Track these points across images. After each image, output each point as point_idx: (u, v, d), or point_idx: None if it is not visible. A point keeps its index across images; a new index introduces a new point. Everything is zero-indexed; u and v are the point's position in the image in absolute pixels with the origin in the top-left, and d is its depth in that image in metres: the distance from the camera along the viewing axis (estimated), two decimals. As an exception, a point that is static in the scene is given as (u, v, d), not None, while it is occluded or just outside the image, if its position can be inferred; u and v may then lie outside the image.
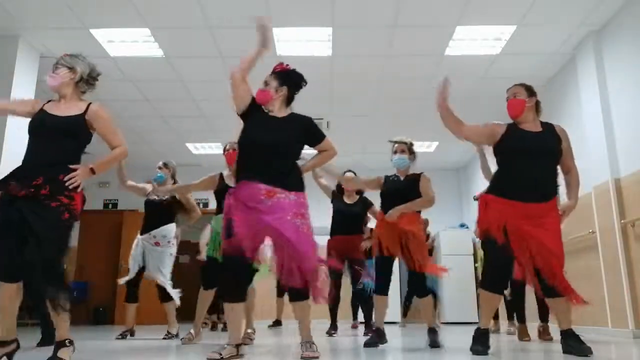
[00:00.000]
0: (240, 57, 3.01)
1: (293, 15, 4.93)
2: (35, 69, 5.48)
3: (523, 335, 4.43)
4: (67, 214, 2.54)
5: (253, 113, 2.92)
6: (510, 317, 5.45)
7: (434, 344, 3.59)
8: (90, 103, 2.79)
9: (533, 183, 2.92)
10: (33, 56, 5.42)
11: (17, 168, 2.63)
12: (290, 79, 3.03)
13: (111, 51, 5.51)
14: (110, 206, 9.65)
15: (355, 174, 5.12)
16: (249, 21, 3.31)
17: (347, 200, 5.22)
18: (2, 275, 2.50)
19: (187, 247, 9.96)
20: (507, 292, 5.46)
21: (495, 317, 5.62)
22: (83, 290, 9.05)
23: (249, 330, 4.17)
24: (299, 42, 5.41)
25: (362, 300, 5.29)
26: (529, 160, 2.95)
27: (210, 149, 8.74)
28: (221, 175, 4.20)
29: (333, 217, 5.28)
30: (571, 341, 2.86)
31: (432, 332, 3.70)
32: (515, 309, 4.68)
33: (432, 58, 5.74)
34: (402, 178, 3.96)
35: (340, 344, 4.19)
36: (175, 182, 4.93)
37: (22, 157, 2.68)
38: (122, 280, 4.88)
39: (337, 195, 5.28)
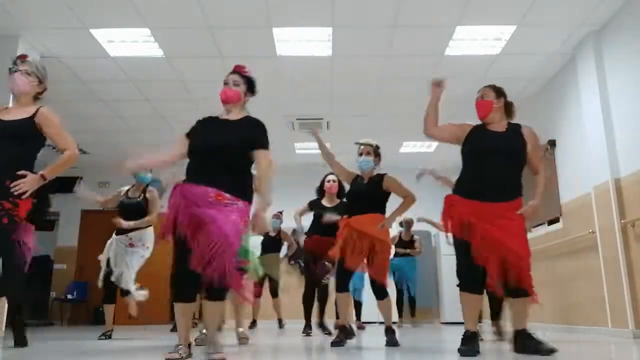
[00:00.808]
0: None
1: (293, 15, 4.93)
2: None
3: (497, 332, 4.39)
4: (5, 218, 2.52)
5: (203, 122, 2.88)
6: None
7: (392, 343, 3.69)
8: (40, 107, 2.79)
9: (493, 182, 2.92)
10: (33, 56, 5.41)
11: None
12: (253, 87, 3.00)
13: (111, 51, 5.51)
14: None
15: (337, 177, 5.11)
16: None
17: (327, 204, 5.21)
18: None
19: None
20: None
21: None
22: (83, 290, 9.05)
23: (240, 329, 4.17)
24: (299, 42, 5.41)
25: (321, 300, 5.35)
26: (489, 159, 2.96)
27: (210, 149, 8.73)
28: None
29: (313, 219, 5.26)
30: (531, 341, 2.83)
31: (390, 331, 3.82)
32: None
33: (432, 58, 5.74)
34: (365, 180, 3.99)
35: (313, 343, 4.18)
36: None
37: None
38: (100, 283, 4.81)
39: (316, 200, 5.28)
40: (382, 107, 7.08)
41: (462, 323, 2.84)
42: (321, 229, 5.03)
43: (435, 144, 8.63)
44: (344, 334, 3.84)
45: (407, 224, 7.59)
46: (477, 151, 3.04)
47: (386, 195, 3.93)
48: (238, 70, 2.99)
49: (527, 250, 2.87)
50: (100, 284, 4.79)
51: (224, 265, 2.47)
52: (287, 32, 5.22)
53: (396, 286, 7.54)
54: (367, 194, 3.88)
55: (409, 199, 3.85)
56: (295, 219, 5.55)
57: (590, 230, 5.06)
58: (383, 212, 3.88)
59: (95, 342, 4.39)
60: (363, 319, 7.11)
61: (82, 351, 3.50)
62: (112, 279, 4.68)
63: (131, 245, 4.75)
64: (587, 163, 5.20)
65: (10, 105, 2.84)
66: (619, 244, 4.62)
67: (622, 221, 4.62)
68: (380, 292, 3.85)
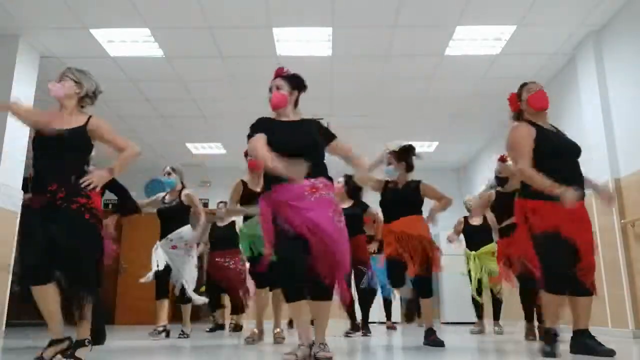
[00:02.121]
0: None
1: (293, 15, 4.93)
2: (35, 69, 5.48)
3: (530, 334, 4.39)
4: (87, 214, 2.62)
5: (268, 128, 2.85)
6: (496, 317, 5.57)
7: (436, 343, 3.66)
8: (90, 116, 2.88)
9: (573, 183, 2.83)
10: (33, 56, 5.43)
11: (30, 184, 2.70)
12: (298, 83, 3.03)
13: (111, 51, 5.51)
14: (110, 206, 9.61)
15: (349, 178, 5.14)
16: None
17: (343, 205, 5.21)
18: (32, 279, 2.57)
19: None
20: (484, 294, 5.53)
21: (480, 317, 5.68)
22: (83, 290, 9.04)
23: (277, 330, 4.19)
24: (299, 42, 5.41)
25: (364, 300, 5.28)
26: (567, 159, 2.95)
27: (210, 149, 8.74)
28: (243, 181, 4.20)
29: None
30: (588, 341, 2.85)
31: (431, 332, 3.77)
32: (526, 308, 4.63)
33: (432, 58, 5.74)
34: (400, 186, 4.01)
35: (361, 344, 4.18)
36: (183, 186, 4.94)
37: (20, 159, 2.71)
38: (143, 279, 4.88)
39: None
40: (382, 107, 7.08)
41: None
42: (348, 230, 5.03)
43: (435, 143, 8.63)
44: (434, 334, 3.79)
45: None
46: (559, 152, 2.95)
47: (422, 200, 3.99)
48: (279, 74, 3.04)
49: (593, 248, 2.90)
50: (148, 279, 4.83)
51: (339, 269, 2.60)
52: (287, 32, 5.22)
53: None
54: (406, 199, 3.94)
55: (445, 200, 3.96)
56: None
57: (590, 230, 5.05)
58: (421, 214, 3.95)
59: (110, 342, 4.39)
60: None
61: (106, 350, 3.49)
62: (177, 286, 4.73)
63: (174, 247, 4.74)
64: (587, 163, 5.17)
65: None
66: (619, 244, 4.62)
67: (622, 221, 4.62)
68: (427, 291, 3.83)
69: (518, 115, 3.17)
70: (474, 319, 5.88)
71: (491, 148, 8.40)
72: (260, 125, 2.86)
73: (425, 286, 3.82)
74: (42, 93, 5.63)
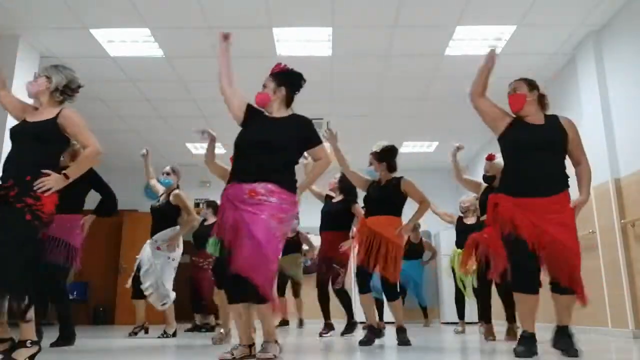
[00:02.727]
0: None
1: (293, 15, 4.93)
2: (35, 69, 5.47)
3: (488, 334, 4.42)
4: (29, 215, 2.52)
5: (252, 118, 2.93)
6: (461, 317, 5.61)
7: (404, 342, 3.76)
8: (63, 108, 2.86)
9: (540, 176, 2.84)
10: (33, 56, 5.42)
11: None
12: (288, 79, 3.00)
13: (111, 51, 5.51)
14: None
15: (344, 175, 5.15)
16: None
17: (334, 197, 5.23)
18: None
19: (186, 247, 9.96)
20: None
21: (462, 317, 5.70)
22: (83, 290, 9.05)
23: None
24: (299, 42, 5.41)
25: (343, 301, 5.27)
26: (532, 153, 2.89)
27: (210, 149, 8.73)
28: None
29: (322, 216, 5.24)
30: (564, 338, 2.81)
31: (402, 331, 3.87)
32: (481, 309, 4.66)
33: (432, 58, 5.74)
34: (382, 183, 4.06)
35: (335, 344, 4.19)
36: (177, 187, 4.96)
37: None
38: (128, 284, 4.94)
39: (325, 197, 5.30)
40: (382, 107, 7.08)
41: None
42: (330, 225, 5.04)
43: (435, 143, 8.63)
44: (373, 334, 3.86)
45: (414, 227, 7.56)
46: (520, 145, 2.95)
47: (403, 199, 4.00)
48: (272, 71, 3.05)
49: (578, 245, 2.81)
50: (127, 284, 4.93)
51: (261, 273, 2.53)
52: (287, 32, 5.22)
53: (401, 288, 7.52)
54: (384, 196, 3.96)
55: (424, 205, 3.99)
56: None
57: (590, 230, 5.06)
58: (399, 215, 3.96)
59: (95, 342, 4.39)
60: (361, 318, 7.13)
61: (83, 351, 3.50)
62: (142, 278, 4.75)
63: (158, 248, 4.78)
64: (587, 163, 5.19)
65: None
66: (619, 244, 4.62)
67: (622, 221, 4.62)
68: (392, 293, 3.89)
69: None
70: (474, 319, 5.91)
71: (491, 148, 8.40)
72: (249, 112, 2.95)
73: (390, 289, 3.87)
74: (42, 93, 5.64)
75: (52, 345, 3.66)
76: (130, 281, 4.94)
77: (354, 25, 5.11)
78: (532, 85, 3.16)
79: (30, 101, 2.97)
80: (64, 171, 2.70)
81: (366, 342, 3.79)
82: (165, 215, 4.84)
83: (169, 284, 4.79)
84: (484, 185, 4.45)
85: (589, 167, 3.07)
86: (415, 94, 6.70)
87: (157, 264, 4.74)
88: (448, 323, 8.37)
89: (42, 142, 2.70)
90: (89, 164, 2.88)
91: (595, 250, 4.99)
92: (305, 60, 5.66)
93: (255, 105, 2.97)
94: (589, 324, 5.09)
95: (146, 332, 4.96)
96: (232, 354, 2.62)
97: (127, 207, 9.36)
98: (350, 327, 5.20)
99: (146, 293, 4.72)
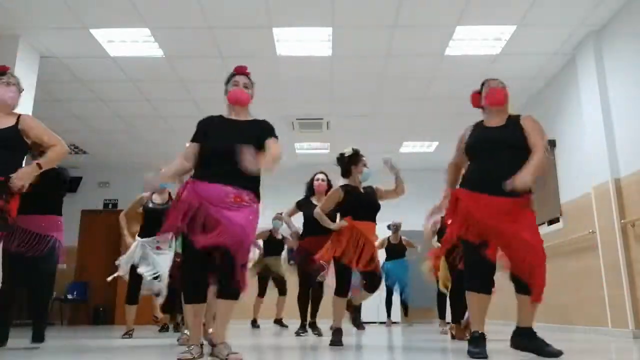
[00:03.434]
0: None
1: (293, 15, 4.93)
2: (35, 69, 5.48)
3: (461, 334, 4.39)
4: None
5: (212, 126, 2.86)
6: (442, 316, 5.69)
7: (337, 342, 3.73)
8: (20, 115, 2.90)
9: (499, 175, 2.77)
10: (33, 56, 5.42)
11: None
12: (253, 85, 3.04)
13: (111, 51, 5.51)
14: (110, 206, 9.66)
15: (326, 175, 5.20)
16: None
17: (317, 202, 5.20)
18: None
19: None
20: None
21: (443, 317, 5.72)
22: (83, 290, 9.05)
23: (211, 330, 4.17)
24: (299, 42, 5.41)
25: (316, 299, 5.27)
26: (493, 152, 2.89)
27: (210, 149, 8.73)
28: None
29: (305, 221, 5.21)
30: (531, 340, 2.77)
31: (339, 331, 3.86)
32: (454, 308, 4.61)
33: (432, 58, 5.74)
34: (359, 189, 4.09)
35: (312, 344, 4.18)
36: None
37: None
38: (110, 277, 5.01)
39: (304, 200, 5.25)
40: (382, 107, 7.08)
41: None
42: (314, 229, 5.02)
43: (435, 143, 8.63)
44: (340, 336, 3.82)
45: (395, 227, 7.53)
46: (480, 143, 2.96)
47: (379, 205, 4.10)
48: (243, 72, 3.02)
49: (540, 242, 2.78)
50: (122, 273, 4.89)
51: (240, 261, 2.53)
52: (287, 32, 5.22)
53: (387, 287, 7.51)
54: (372, 202, 4.03)
55: (400, 188, 4.12)
56: (285, 222, 5.52)
57: (590, 230, 5.06)
58: (376, 222, 4.05)
59: (95, 342, 4.39)
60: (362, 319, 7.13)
61: (83, 351, 3.50)
62: (145, 282, 4.75)
63: (158, 248, 4.77)
64: (587, 163, 5.20)
65: None
66: (619, 244, 4.62)
67: (622, 221, 4.62)
68: (376, 284, 3.98)
69: (483, 111, 3.20)
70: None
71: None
72: (203, 126, 2.88)
73: (374, 279, 3.95)
74: (42, 93, 5.64)
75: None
76: (124, 272, 4.89)
77: (354, 25, 5.11)
78: (504, 85, 3.20)
79: None
80: (36, 161, 2.76)
81: (337, 342, 3.74)
82: (164, 218, 4.81)
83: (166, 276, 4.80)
84: None
85: (542, 153, 2.85)
86: (415, 94, 6.70)
87: (156, 259, 4.74)
88: (448, 323, 8.36)
89: (6, 149, 2.75)
90: (58, 160, 2.95)
91: (595, 250, 4.99)
92: (305, 60, 5.66)
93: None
94: (589, 324, 5.10)
95: (130, 336, 4.89)
96: (192, 354, 2.58)
97: (127, 207, 9.38)
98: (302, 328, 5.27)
99: (162, 293, 4.76)
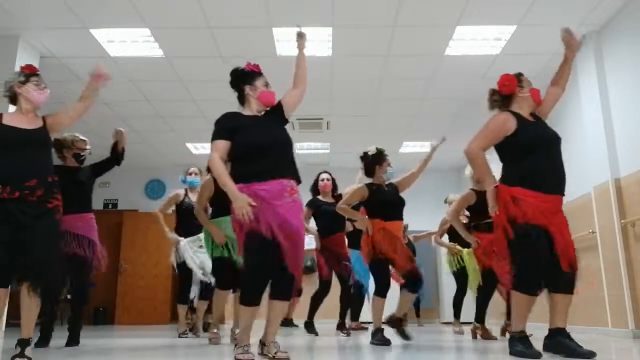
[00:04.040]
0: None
1: (293, 15, 4.93)
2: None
3: (487, 335, 4.45)
4: (57, 214, 2.73)
5: (240, 124, 2.88)
6: (457, 316, 5.68)
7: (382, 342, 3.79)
8: (42, 116, 2.99)
9: (558, 174, 2.83)
10: (33, 56, 5.42)
11: None
12: None
13: (111, 51, 5.51)
14: (110, 206, 9.66)
15: (330, 174, 5.26)
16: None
17: (326, 200, 5.21)
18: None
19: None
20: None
21: (458, 316, 5.72)
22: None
23: (237, 330, 4.16)
24: (299, 42, 5.40)
25: (348, 298, 5.26)
26: (549, 149, 2.91)
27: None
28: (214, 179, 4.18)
29: (318, 221, 5.23)
30: (569, 342, 2.75)
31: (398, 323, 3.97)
32: (480, 308, 4.63)
33: (432, 58, 5.74)
34: (384, 187, 4.15)
35: (322, 343, 4.19)
36: None
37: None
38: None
39: (314, 200, 5.26)
40: (382, 107, 7.08)
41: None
42: (330, 228, 5.05)
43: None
44: (382, 334, 3.86)
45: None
46: (540, 141, 2.90)
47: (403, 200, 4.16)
48: (260, 71, 3.11)
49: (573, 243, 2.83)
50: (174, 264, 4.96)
51: (296, 261, 2.66)
52: (287, 32, 5.22)
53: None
54: (399, 200, 4.10)
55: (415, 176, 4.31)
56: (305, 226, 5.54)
57: (590, 230, 5.06)
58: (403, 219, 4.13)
59: (95, 342, 4.39)
60: (362, 318, 7.11)
61: (82, 351, 3.50)
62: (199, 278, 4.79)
63: (201, 247, 4.76)
64: (587, 163, 5.20)
65: (15, 112, 2.96)
66: (619, 244, 4.62)
67: (622, 221, 4.62)
68: (416, 285, 3.94)
69: (505, 99, 3.13)
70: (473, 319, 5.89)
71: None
72: (226, 123, 2.88)
73: (414, 280, 3.92)
74: (42, 93, 5.64)
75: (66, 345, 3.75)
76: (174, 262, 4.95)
77: (354, 25, 5.11)
78: None
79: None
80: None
81: (384, 341, 3.80)
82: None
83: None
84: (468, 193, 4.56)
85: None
86: (415, 94, 6.70)
87: (201, 258, 4.79)
88: (448, 323, 8.36)
89: (42, 149, 2.84)
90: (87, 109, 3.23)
91: (595, 250, 4.99)
92: (306, 60, 5.66)
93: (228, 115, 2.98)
94: (589, 324, 5.10)
95: (195, 332, 5.00)
96: (251, 355, 2.61)
97: (127, 207, 9.40)
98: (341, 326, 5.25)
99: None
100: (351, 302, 5.41)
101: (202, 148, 8.75)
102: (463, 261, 5.52)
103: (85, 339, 4.70)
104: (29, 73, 2.99)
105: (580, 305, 5.32)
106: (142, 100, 6.80)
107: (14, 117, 2.87)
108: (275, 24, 5.06)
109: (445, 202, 6.01)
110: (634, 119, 4.61)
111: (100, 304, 9.02)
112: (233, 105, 3.12)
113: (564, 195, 2.86)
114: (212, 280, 4.62)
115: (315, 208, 5.21)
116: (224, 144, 2.80)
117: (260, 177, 2.68)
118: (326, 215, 5.09)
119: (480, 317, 4.52)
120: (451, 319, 8.35)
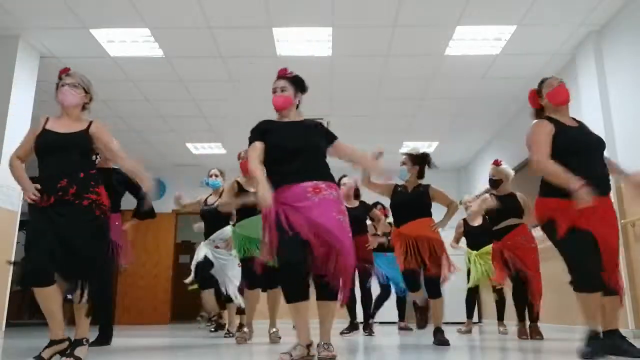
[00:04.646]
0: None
1: (293, 15, 4.93)
2: (35, 69, 5.48)
3: (522, 334, 4.47)
4: (97, 210, 2.70)
5: (271, 128, 2.89)
6: (500, 318, 5.61)
7: (442, 342, 3.76)
8: (92, 121, 2.94)
9: (597, 178, 2.76)
10: (33, 56, 5.43)
11: (35, 183, 2.69)
12: (302, 86, 3.07)
13: (111, 51, 5.51)
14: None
15: (351, 178, 5.23)
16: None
17: (348, 205, 5.21)
18: (39, 281, 2.58)
19: (191, 247, 9.96)
20: (495, 294, 5.57)
21: (469, 316, 5.72)
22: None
23: (273, 329, 4.18)
24: (299, 42, 5.41)
25: (368, 299, 5.33)
26: (586, 155, 2.85)
27: (210, 149, 8.74)
28: (237, 182, 4.19)
29: None
30: (621, 342, 2.74)
31: (439, 331, 3.89)
32: (518, 308, 4.66)
33: (432, 58, 5.74)
34: (409, 190, 4.13)
35: (360, 344, 4.18)
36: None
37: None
38: (188, 280, 5.05)
39: None
40: (382, 107, 7.08)
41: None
42: (354, 231, 5.04)
43: (435, 143, 8.63)
44: (443, 335, 3.86)
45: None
46: (580, 146, 2.86)
47: (431, 204, 4.11)
48: (282, 75, 3.05)
49: (619, 245, 2.81)
50: (190, 279, 4.99)
51: (344, 269, 2.60)
52: (287, 32, 5.22)
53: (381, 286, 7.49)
54: (416, 202, 4.06)
55: (454, 206, 4.11)
56: None
57: (590, 230, 5.05)
58: (430, 215, 4.08)
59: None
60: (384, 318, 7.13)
61: (106, 350, 3.49)
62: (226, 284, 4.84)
63: (216, 247, 4.84)
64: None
65: (60, 115, 2.92)
66: (619, 244, 4.61)
67: (622, 221, 4.62)
68: (435, 291, 3.95)
69: (538, 112, 3.12)
70: (474, 319, 5.91)
71: (491, 148, 8.40)
72: (260, 129, 2.89)
73: (435, 286, 3.93)
74: (42, 93, 5.63)
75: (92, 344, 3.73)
76: (191, 277, 5.00)
77: (354, 25, 5.11)
78: None
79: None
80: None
81: (444, 341, 3.79)
82: (219, 216, 4.78)
83: (238, 280, 4.81)
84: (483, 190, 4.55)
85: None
86: (415, 94, 6.70)
87: (219, 260, 4.83)
88: (450, 323, 8.34)
89: (77, 152, 2.79)
90: (138, 173, 3.04)
91: (595, 250, 4.98)
92: (305, 60, 5.66)
93: (269, 119, 2.97)
94: (589, 324, 5.08)
95: (220, 317, 5.10)
96: (291, 355, 2.59)
97: (127, 207, 9.37)
98: (351, 327, 5.24)
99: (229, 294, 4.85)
100: (374, 302, 5.53)
101: (202, 148, 8.75)
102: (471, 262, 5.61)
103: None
104: (59, 75, 2.98)
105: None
106: (142, 100, 6.80)
107: (56, 121, 2.86)
108: (275, 24, 5.06)
109: (460, 203, 6.03)
110: (634, 119, 4.61)
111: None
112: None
113: (603, 196, 2.77)
114: (230, 288, 4.75)
115: None
116: (260, 146, 2.84)
117: (282, 182, 2.72)
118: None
119: (518, 316, 4.56)
120: (453, 318, 8.38)
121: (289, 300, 2.64)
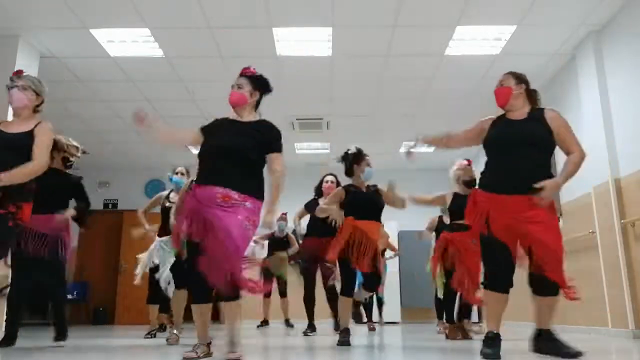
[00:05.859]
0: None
1: (293, 15, 4.93)
2: (35, 69, 5.47)
3: (453, 334, 4.42)
4: (10, 222, 2.72)
5: (216, 127, 2.92)
6: (440, 317, 5.62)
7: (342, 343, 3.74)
8: (40, 122, 2.95)
9: (517, 174, 2.74)
10: (33, 56, 5.43)
11: None
12: (264, 85, 3.02)
13: (111, 51, 5.51)
14: (110, 206, 9.66)
15: (336, 177, 5.19)
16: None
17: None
18: None
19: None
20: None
21: (440, 317, 5.71)
22: (83, 290, 9.05)
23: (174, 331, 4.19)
24: (299, 42, 5.41)
25: (335, 296, 5.30)
26: (511, 149, 2.80)
27: (210, 149, 8.73)
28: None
29: (310, 221, 5.27)
30: (550, 342, 2.72)
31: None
32: (447, 309, 4.65)
33: (432, 58, 5.74)
34: (363, 189, 4.10)
35: (318, 343, 4.18)
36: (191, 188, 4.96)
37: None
38: (137, 280, 4.95)
39: (312, 201, 5.26)
40: (382, 107, 7.08)
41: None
42: (319, 230, 5.02)
43: (435, 144, 8.62)
44: (348, 336, 3.83)
45: None
46: (497, 141, 2.88)
47: (383, 205, 4.09)
48: (243, 72, 3.03)
49: (560, 245, 2.72)
50: (138, 280, 4.92)
51: (233, 268, 2.53)
52: (287, 32, 5.22)
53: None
54: (374, 202, 4.03)
55: (403, 202, 4.14)
56: (294, 223, 5.57)
57: (590, 230, 5.06)
58: (380, 221, 4.07)
59: (95, 342, 4.39)
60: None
61: (82, 351, 3.50)
62: (161, 282, 4.65)
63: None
64: (587, 163, 5.15)
65: (10, 119, 2.96)
66: (619, 244, 4.62)
67: (622, 221, 4.62)
68: (373, 285, 4.02)
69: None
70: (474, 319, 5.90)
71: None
72: (208, 125, 2.96)
73: (372, 279, 3.94)
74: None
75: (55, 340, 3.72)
76: (138, 279, 4.92)
77: (354, 25, 5.11)
78: (519, 78, 3.08)
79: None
80: (1, 173, 2.73)
81: (346, 342, 3.74)
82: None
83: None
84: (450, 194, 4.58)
85: (580, 157, 2.87)
86: (415, 94, 6.70)
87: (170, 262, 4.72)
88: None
89: (18, 153, 2.79)
90: (26, 176, 2.85)
91: (595, 250, 4.98)
92: (305, 60, 5.67)
93: (213, 120, 2.99)
94: (589, 324, 5.09)
95: (154, 336, 4.87)
96: (197, 353, 2.64)
97: (127, 207, 9.38)
98: (311, 327, 5.27)
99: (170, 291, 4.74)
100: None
101: (202, 148, 8.74)
102: None
103: (85, 339, 4.70)
104: (11, 77, 3.01)
105: (580, 305, 5.32)
106: (142, 100, 6.79)
107: (12, 122, 2.92)
108: (275, 24, 5.06)
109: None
110: (634, 119, 4.61)
111: (100, 304, 9.03)
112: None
113: (525, 194, 2.70)
114: (165, 285, 4.62)
115: (309, 210, 5.23)
116: (193, 130, 2.98)
117: (201, 181, 2.74)
118: (316, 219, 5.10)
119: (448, 317, 4.56)
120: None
121: (193, 301, 2.72)
